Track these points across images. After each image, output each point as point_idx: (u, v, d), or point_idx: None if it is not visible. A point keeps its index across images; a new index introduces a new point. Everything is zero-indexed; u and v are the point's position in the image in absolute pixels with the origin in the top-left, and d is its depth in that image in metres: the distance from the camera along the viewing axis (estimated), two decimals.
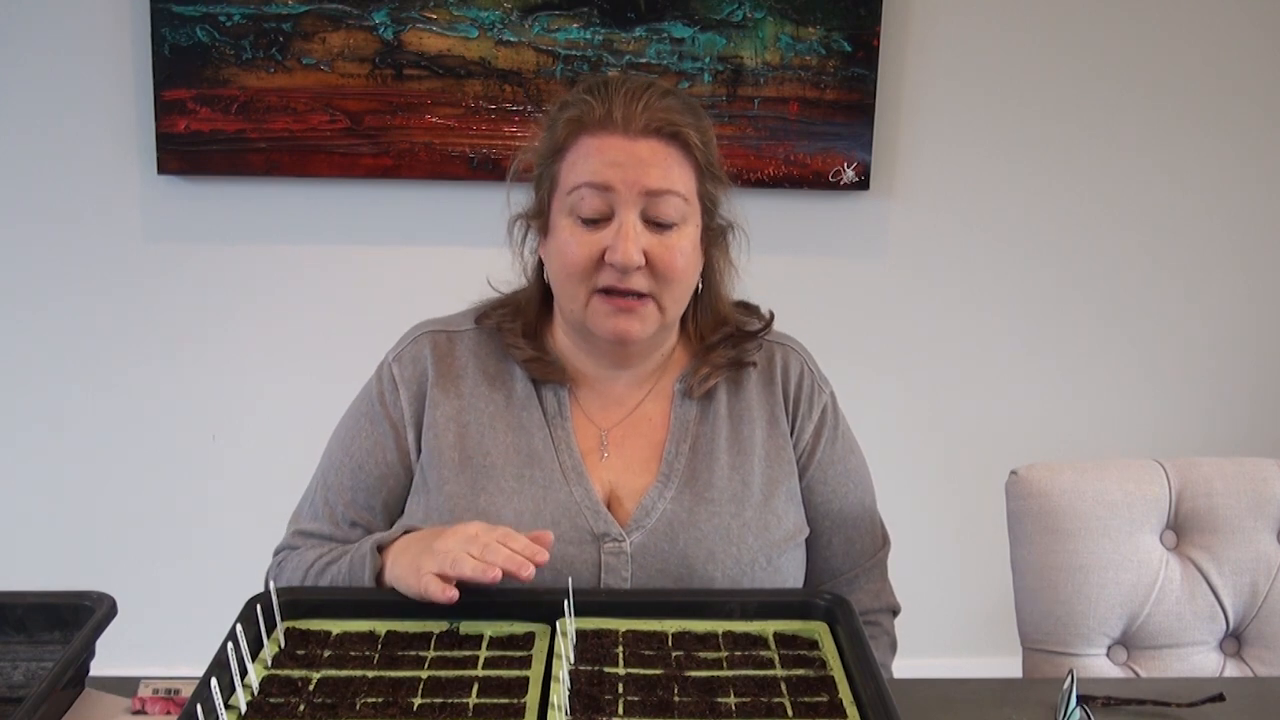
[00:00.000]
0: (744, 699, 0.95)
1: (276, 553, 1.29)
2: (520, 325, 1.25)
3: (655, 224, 1.15)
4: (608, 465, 1.23)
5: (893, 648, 1.33)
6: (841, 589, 1.28)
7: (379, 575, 1.12)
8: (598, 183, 1.13)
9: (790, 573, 1.24)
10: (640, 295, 1.16)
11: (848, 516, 1.30)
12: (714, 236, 1.23)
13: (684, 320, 1.27)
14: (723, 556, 1.18)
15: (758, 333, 1.28)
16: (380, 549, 1.14)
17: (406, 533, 1.15)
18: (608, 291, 1.16)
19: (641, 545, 1.18)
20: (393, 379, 1.26)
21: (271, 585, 1.05)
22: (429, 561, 1.04)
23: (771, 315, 1.31)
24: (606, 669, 0.98)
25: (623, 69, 2.26)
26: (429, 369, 1.25)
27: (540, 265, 1.25)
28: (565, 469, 1.21)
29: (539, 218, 1.22)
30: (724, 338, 1.27)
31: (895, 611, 1.35)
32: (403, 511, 1.26)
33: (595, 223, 1.15)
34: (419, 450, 1.24)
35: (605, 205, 1.14)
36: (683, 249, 1.16)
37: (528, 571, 1.02)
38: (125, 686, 1.03)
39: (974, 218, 2.45)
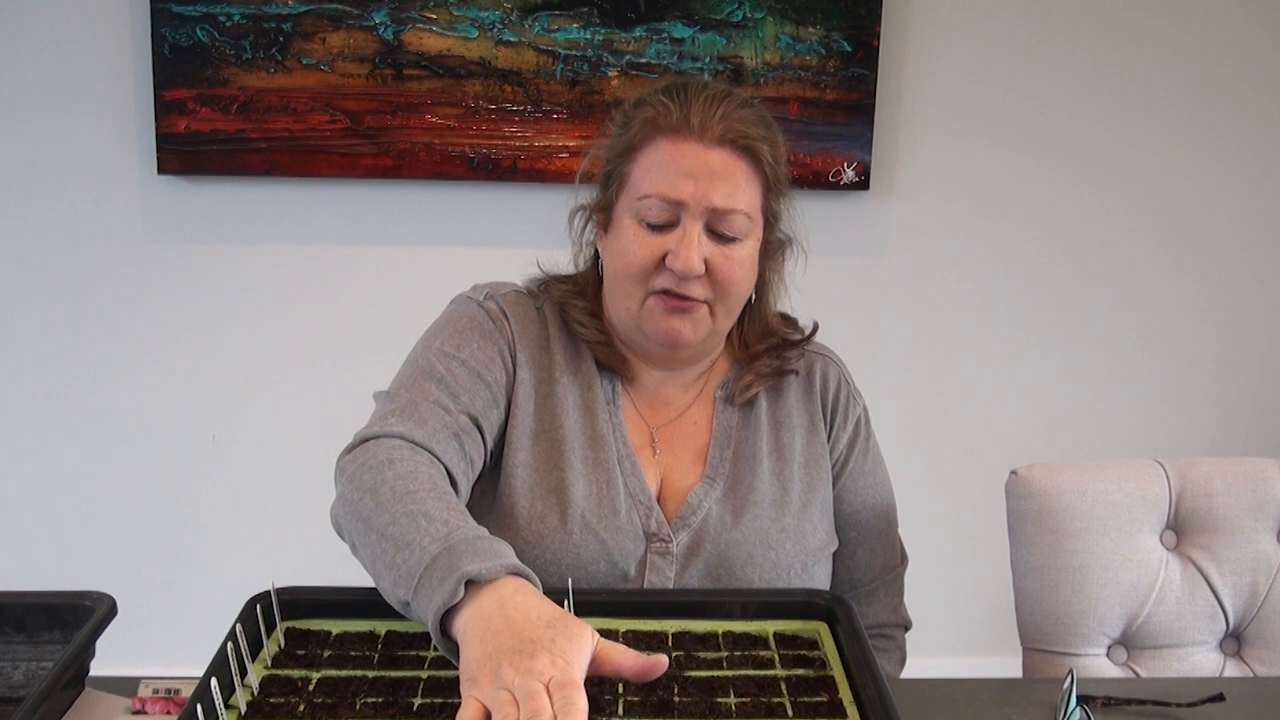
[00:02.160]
0: (744, 699, 0.95)
1: (374, 434, 1.08)
2: (586, 305, 1.26)
3: (718, 236, 1.16)
4: (658, 462, 1.24)
5: (901, 662, 1.35)
6: (860, 601, 1.30)
7: (449, 610, 0.89)
8: (669, 197, 1.14)
9: (821, 583, 1.26)
10: (695, 299, 1.17)
11: (872, 530, 1.32)
12: (771, 249, 1.24)
13: (730, 329, 1.28)
14: (761, 561, 1.19)
15: (801, 342, 1.30)
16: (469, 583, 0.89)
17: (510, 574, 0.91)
18: (664, 293, 1.16)
19: (686, 546, 1.19)
20: (501, 310, 1.23)
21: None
22: (486, 683, 0.80)
23: (815, 326, 1.32)
24: None
25: (623, 69, 2.27)
26: (526, 325, 1.24)
27: (596, 256, 1.26)
28: (620, 456, 1.22)
29: (603, 212, 1.22)
30: (768, 347, 1.28)
31: (908, 627, 1.36)
32: (490, 451, 1.16)
33: (659, 227, 1.15)
34: (511, 394, 1.20)
35: (672, 214, 1.15)
36: (742, 261, 1.17)
37: None
38: (125, 686, 1.03)
39: (974, 217, 2.45)
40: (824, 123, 2.32)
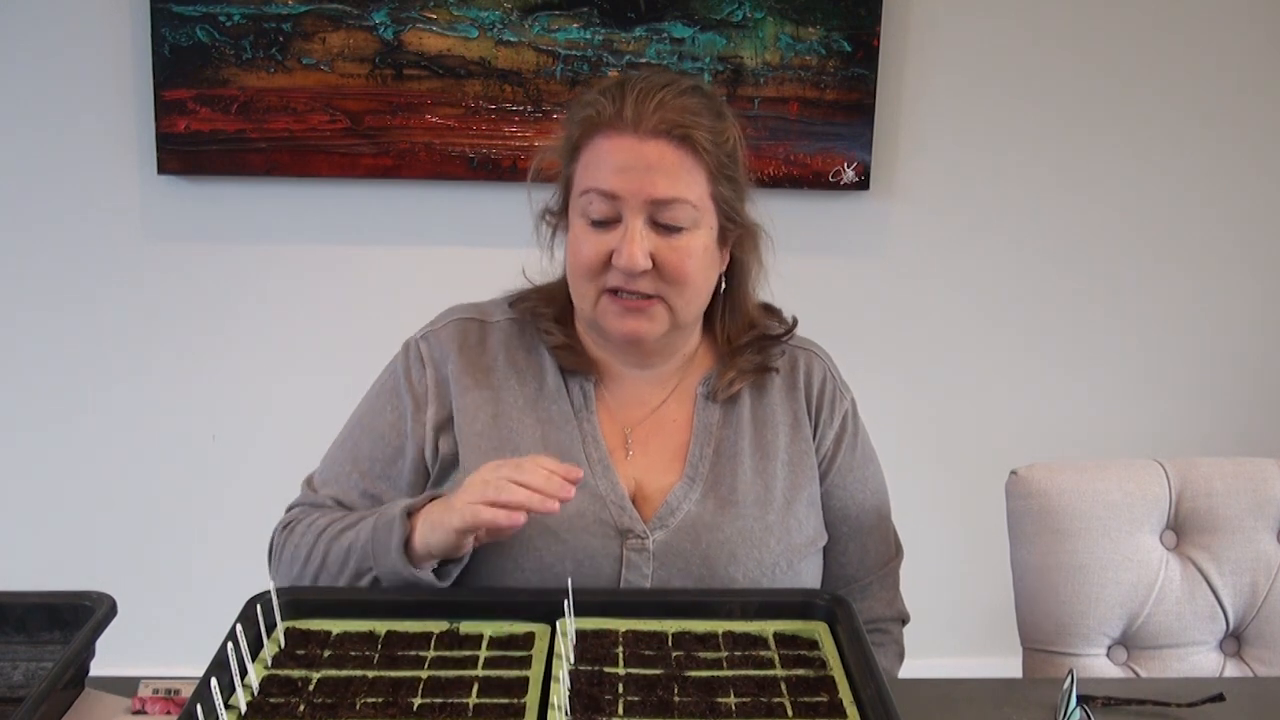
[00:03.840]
0: (744, 699, 0.95)
1: (288, 510, 1.28)
2: (553, 311, 1.26)
3: (664, 227, 1.15)
4: (632, 463, 1.23)
5: (900, 657, 1.34)
6: (854, 596, 1.29)
7: (407, 541, 1.10)
8: (605, 190, 1.14)
9: (809, 578, 1.25)
10: (648, 296, 1.16)
11: (864, 524, 1.31)
12: (738, 237, 1.23)
13: (710, 321, 1.28)
14: (744, 559, 1.19)
15: (781, 337, 1.29)
16: (409, 515, 1.12)
17: (433, 500, 1.14)
18: (616, 292, 1.16)
19: (664, 543, 1.18)
20: (420, 356, 1.26)
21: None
22: (452, 518, 1.05)
23: (795, 320, 1.31)
24: (606, 669, 0.98)
25: (623, 69, 2.26)
26: (454, 354, 1.25)
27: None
28: (592, 461, 1.21)
29: (557, 215, 1.23)
30: (750, 341, 1.27)
31: (904, 621, 1.35)
32: (422, 490, 1.25)
33: (604, 224, 1.15)
34: (437, 430, 1.23)
35: (613, 210, 1.14)
36: (692, 251, 1.16)
37: (550, 506, 1.03)
38: (125, 686, 1.03)
39: (974, 218, 2.45)
40: (824, 123, 2.32)
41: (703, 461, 1.23)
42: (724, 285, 1.25)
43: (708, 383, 1.27)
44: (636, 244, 1.13)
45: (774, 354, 1.28)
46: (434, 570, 1.10)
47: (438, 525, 1.07)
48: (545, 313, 1.26)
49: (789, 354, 1.30)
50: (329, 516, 1.21)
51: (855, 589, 1.31)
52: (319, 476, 1.28)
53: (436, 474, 1.24)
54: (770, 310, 1.32)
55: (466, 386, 1.23)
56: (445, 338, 1.26)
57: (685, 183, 1.14)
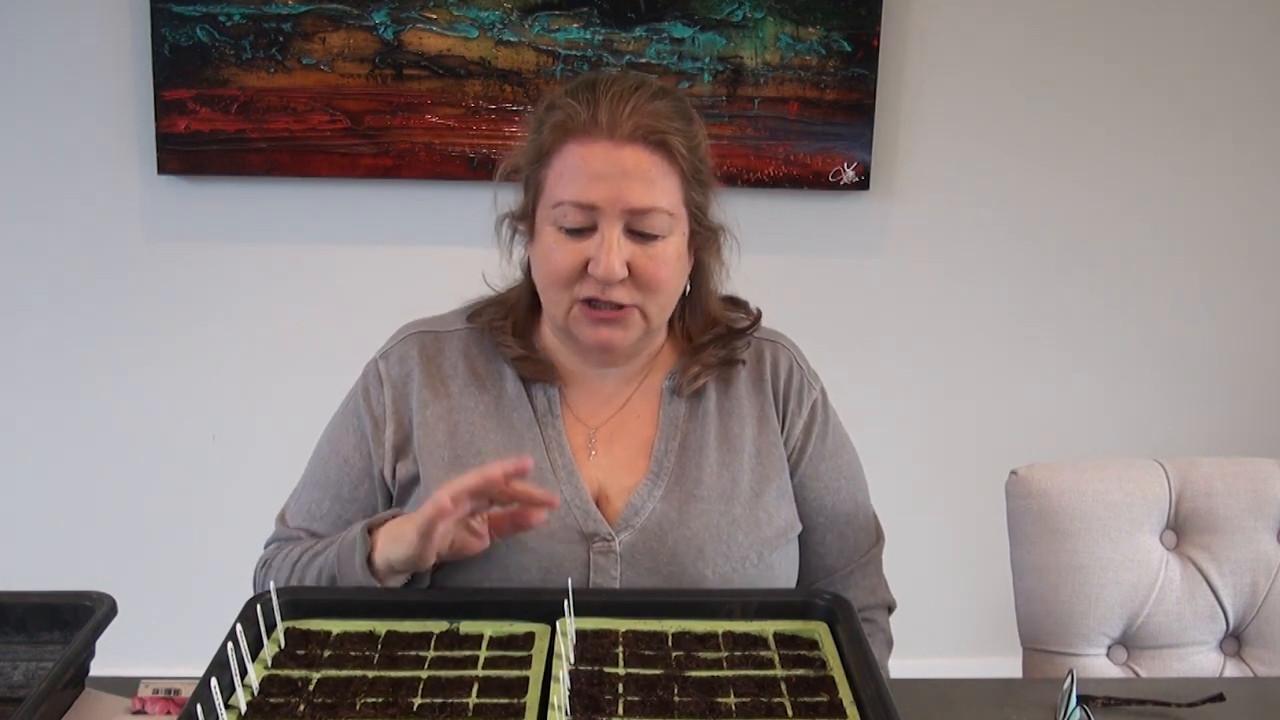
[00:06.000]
0: (744, 699, 0.95)
1: (266, 545, 1.30)
2: (510, 323, 1.25)
3: (640, 236, 1.14)
4: (595, 463, 1.23)
5: (889, 645, 1.33)
6: (836, 586, 1.28)
7: (369, 557, 1.12)
8: (582, 202, 1.13)
9: (782, 570, 1.24)
10: (621, 306, 1.15)
11: (841, 513, 1.30)
12: (702, 239, 1.22)
13: (672, 320, 1.27)
14: (712, 554, 1.18)
15: (746, 330, 1.28)
16: (370, 531, 1.14)
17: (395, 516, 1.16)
18: (590, 302, 1.15)
19: (630, 544, 1.17)
20: (378, 376, 1.26)
21: (271, 585, 1.06)
22: (409, 527, 1.07)
23: (759, 313, 1.30)
24: (606, 669, 0.99)
25: (623, 69, 2.26)
26: (416, 369, 1.25)
27: (529, 264, 1.25)
28: (556, 467, 1.20)
29: (525, 220, 1.22)
30: (714, 338, 1.26)
31: (891, 608, 1.34)
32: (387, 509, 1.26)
33: (579, 232, 1.14)
34: (396, 452, 1.23)
35: (588, 219, 1.13)
36: (667, 259, 1.15)
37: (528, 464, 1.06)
38: (125, 686, 1.03)
39: (974, 217, 2.45)
40: (824, 123, 2.32)
41: (667, 457, 1.22)
42: (688, 286, 1.24)
43: (673, 378, 1.26)
44: (614, 253, 1.12)
45: (739, 346, 1.27)
46: (405, 586, 1.13)
47: (399, 538, 1.08)
48: (502, 325, 1.25)
49: (755, 346, 1.29)
50: (301, 547, 1.22)
51: (837, 578, 1.30)
52: (290, 511, 1.29)
53: (398, 497, 1.24)
54: (735, 302, 1.31)
55: (426, 401, 1.23)
56: (404, 354, 1.26)
57: (661, 189, 1.14)
